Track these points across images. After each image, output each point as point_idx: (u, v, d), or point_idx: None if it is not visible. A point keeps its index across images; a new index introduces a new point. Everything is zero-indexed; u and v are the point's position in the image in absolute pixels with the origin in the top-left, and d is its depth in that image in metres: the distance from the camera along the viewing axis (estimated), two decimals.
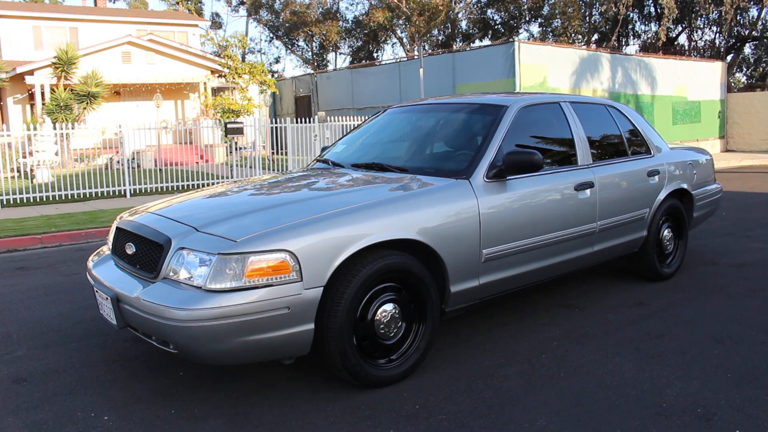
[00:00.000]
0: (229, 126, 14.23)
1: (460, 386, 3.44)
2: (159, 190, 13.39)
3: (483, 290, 3.89)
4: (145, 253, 3.43)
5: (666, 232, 5.48)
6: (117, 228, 3.90)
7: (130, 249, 3.57)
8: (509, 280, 4.06)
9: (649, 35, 30.72)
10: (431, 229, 3.53)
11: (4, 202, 11.55)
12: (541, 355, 3.86)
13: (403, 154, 4.65)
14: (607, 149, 5.07)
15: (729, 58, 28.96)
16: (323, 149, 5.36)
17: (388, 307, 3.42)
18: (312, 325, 3.15)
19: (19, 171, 14.77)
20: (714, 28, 29.09)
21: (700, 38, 30.39)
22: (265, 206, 3.63)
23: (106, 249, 4.10)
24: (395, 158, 4.58)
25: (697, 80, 21.62)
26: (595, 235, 4.62)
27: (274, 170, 15.81)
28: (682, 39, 30.21)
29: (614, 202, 4.78)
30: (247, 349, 3.05)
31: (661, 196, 5.27)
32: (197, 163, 18.53)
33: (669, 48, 27.61)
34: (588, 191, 4.52)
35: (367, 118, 5.57)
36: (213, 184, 13.16)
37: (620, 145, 5.17)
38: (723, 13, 24.15)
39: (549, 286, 5.23)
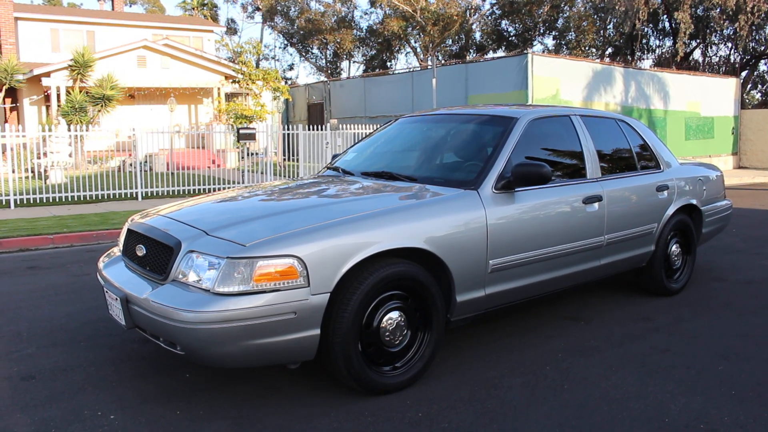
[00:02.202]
0: (241, 132, 14.32)
1: (463, 395, 3.45)
2: (171, 193, 13.49)
3: (489, 300, 3.91)
4: (155, 256, 3.47)
5: (674, 248, 5.47)
6: (128, 230, 3.95)
7: (141, 251, 3.62)
8: (515, 291, 4.07)
9: (664, 50, 30.69)
10: (438, 238, 3.56)
11: (18, 202, 11.68)
12: (545, 367, 3.87)
13: (413, 163, 4.68)
14: (617, 163, 5.08)
15: (744, 74, 28.88)
16: (334, 157, 5.40)
17: (394, 314, 3.44)
18: (318, 331, 3.17)
19: (33, 171, 14.93)
20: (729, 44, 29.02)
21: (715, 54, 30.32)
22: (274, 212, 3.67)
23: (117, 250, 4.15)
24: (405, 167, 4.61)
25: (711, 96, 21.57)
26: (602, 248, 4.63)
27: (285, 176, 15.88)
28: (697, 54, 30.14)
29: (622, 216, 4.79)
30: (253, 352, 3.09)
31: (670, 211, 5.27)
32: (209, 167, 18.64)
33: (683, 63, 27.56)
34: (596, 204, 4.53)
35: (378, 126, 5.61)
36: (224, 188, 13.25)
37: (630, 159, 5.18)
38: (738, 30, 24.08)
39: (555, 299, 5.24)
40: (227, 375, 3.74)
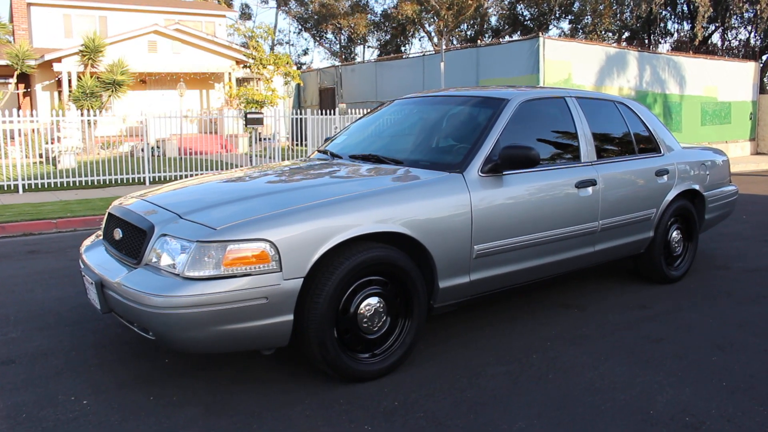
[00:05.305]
0: (249, 116, 14.26)
1: (443, 384, 3.37)
2: (178, 178, 13.48)
3: (474, 287, 3.81)
4: (131, 239, 3.42)
5: (675, 234, 5.32)
6: (108, 213, 3.91)
7: (118, 234, 3.57)
8: (502, 278, 3.97)
9: (682, 33, 30.12)
10: (419, 222, 3.46)
11: (26, 187, 11.72)
12: (532, 355, 3.76)
13: (401, 146, 4.58)
14: (614, 147, 4.93)
15: (764, 58, 28.26)
16: (326, 140, 5.31)
17: (373, 300, 3.36)
18: (291, 317, 3.10)
19: (45, 156, 14.99)
20: (749, 28, 28.40)
21: (735, 38, 29.70)
22: (250, 195, 3.59)
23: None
24: (393, 150, 4.50)
25: (729, 80, 21.11)
26: (596, 234, 4.50)
27: (290, 160, 15.83)
28: (715, 38, 29.55)
29: (618, 201, 4.65)
30: (223, 338, 3.02)
31: (670, 196, 5.12)
32: (219, 152, 18.63)
33: (702, 47, 27.03)
34: (590, 189, 4.40)
35: (369, 110, 5.51)
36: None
37: (628, 143, 5.03)
38: (758, 12, 23.54)
39: (549, 285, 5.12)
40: (206, 360, 3.69)
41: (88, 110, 13.63)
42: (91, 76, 18.77)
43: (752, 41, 28.56)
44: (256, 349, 3.25)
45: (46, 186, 12.03)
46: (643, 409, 3.12)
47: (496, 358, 3.72)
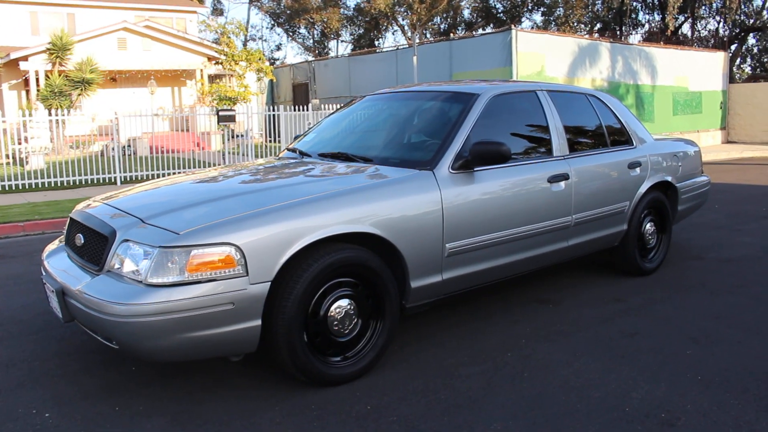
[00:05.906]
0: (221, 113, 14.09)
1: (417, 386, 3.31)
2: (150, 177, 13.25)
3: (447, 286, 3.75)
4: (92, 245, 3.31)
5: (648, 226, 5.32)
6: (70, 218, 3.78)
7: (79, 240, 3.45)
8: (476, 276, 3.91)
9: (653, 24, 30.38)
10: (389, 221, 3.39)
11: None
12: (506, 354, 3.72)
13: (372, 143, 4.50)
14: (586, 140, 4.91)
15: (733, 47, 28.61)
16: (296, 137, 5.22)
17: (343, 302, 3.28)
18: (259, 322, 3.02)
19: (13, 157, 14.66)
20: (717, 18, 28.73)
21: (704, 28, 30.03)
22: (215, 197, 3.48)
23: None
24: (363, 148, 4.43)
25: (699, 70, 21.33)
26: (570, 229, 4.47)
27: (263, 157, 15.67)
28: (686, 29, 29.84)
29: (591, 194, 4.62)
30: (189, 345, 2.93)
31: (643, 188, 5.11)
32: (193, 150, 18.37)
33: (672, 38, 27.27)
34: (562, 183, 4.36)
35: (341, 105, 5.41)
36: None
37: (600, 135, 5.00)
38: (727, 2, 23.79)
39: (524, 281, 5.08)
40: (174, 368, 3.58)
41: (57, 109, 13.34)
42: (60, 75, 18.41)
43: (721, 31, 28.91)
44: (224, 356, 3.16)
45: (13, 188, 11.77)
46: (619, 406, 3.09)
47: (469, 358, 3.67)
